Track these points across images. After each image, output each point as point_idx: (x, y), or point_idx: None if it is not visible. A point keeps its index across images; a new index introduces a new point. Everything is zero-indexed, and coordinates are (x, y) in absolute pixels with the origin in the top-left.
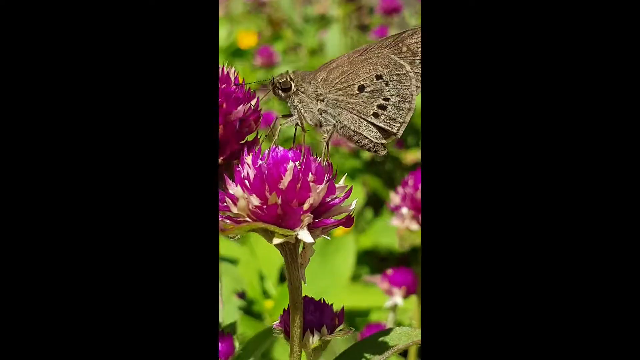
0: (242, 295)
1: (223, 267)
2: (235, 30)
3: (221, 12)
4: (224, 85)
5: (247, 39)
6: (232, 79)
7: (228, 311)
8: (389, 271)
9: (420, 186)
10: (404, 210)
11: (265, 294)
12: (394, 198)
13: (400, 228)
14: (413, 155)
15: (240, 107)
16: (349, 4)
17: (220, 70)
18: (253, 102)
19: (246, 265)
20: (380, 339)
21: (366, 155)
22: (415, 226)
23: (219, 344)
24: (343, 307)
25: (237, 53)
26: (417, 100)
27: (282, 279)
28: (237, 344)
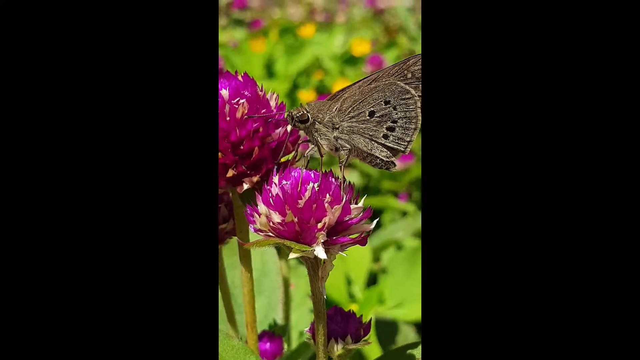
0: None
1: (300, 270)
2: (351, 38)
3: (341, 19)
4: (264, 110)
5: (361, 47)
6: (273, 104)
7: (300, 314)
8: None
9: None
10: None
11: (352, 298)
12: None
13: None
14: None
15: (278, 130)
16: None
17: (261, 94)
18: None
19: (334, 268)
20: (408, 351)
21: None
22: None
23: (268, 344)
24: (371, 319)
25: (350, 60)
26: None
27: (370, 282)
28: (285, 346)
